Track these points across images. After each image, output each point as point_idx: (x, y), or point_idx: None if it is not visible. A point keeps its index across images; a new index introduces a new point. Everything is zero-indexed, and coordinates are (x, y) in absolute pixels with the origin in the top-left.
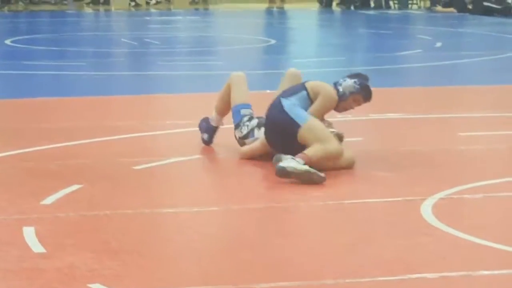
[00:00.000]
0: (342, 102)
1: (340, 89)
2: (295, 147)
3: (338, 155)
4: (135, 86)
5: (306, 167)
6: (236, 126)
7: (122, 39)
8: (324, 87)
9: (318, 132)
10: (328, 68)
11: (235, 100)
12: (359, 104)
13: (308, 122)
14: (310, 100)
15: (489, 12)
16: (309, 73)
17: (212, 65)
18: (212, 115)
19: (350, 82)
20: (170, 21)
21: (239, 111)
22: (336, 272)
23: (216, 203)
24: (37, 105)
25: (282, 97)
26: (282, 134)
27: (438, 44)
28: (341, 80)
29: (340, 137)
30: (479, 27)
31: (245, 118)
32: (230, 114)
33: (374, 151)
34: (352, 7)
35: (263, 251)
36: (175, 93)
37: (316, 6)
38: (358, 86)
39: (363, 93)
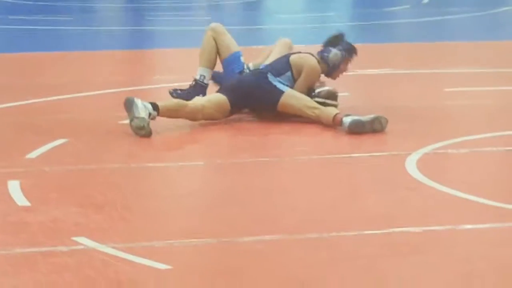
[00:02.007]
0: (335, 71)
1: (330, 62)
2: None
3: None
4: (122, 41)
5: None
6: (240, 73)
7: None
8: (307, 61)
9: (303, 99)
10: (315, 24)
11: (231, 48)
12: (350, 63)
13: (289, 90)
14: (294, 79)
15: None
16: (296, 28)
17: (198, 21)
18: (203, 74)
19: (335, 52)
20: None
21: (239, 58)
22: (320, 226)
23: (201, 158)
24: (23, 60)
25: (270, 73)
26: (262, 99)
27: (426, 0)
28: (326, 53)
29: (333, 94)
30: None
31: (245, 65)
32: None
33: (360, 106)
34: None
35: (248, 205)
36: (162, 48)
37: None
38: (344, 52)
39: (351, 55)
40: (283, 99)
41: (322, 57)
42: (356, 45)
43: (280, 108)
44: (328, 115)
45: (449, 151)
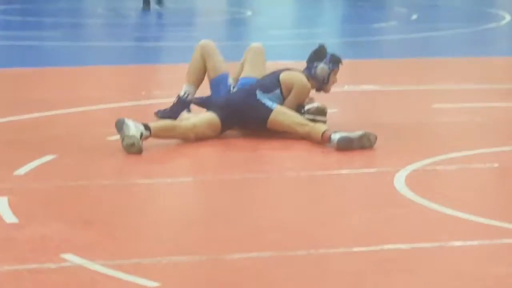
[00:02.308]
0: (326, 85)
1: (319, 77)
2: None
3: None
4: (110, 56)
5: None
6: (226, 93)
7: (99, 10)
8: (297, 79)
9: (293, 116)
10: (305, 40)
11: (219, 68)
12: (335, 82)
13: (278, 107)
14: (283, 97)
15: None
16: (286, 45)
17: (188, 36)
18: (188, 90)
19: (322, 66)
20: None
21: (226, 79)
22: (309, 243)
23: (190, 174)
24: (12, 76)
25: (259, 90)
26: (251, 117)
27: (414, 16)
28: (312, 69)
29: (322, 110)
30: (455, 0)
31: (232, 87)
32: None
33: (349, 122)
34: None
35: (236, 222)
36: (150, 63)
37: None
38: (330, 64)
39: (337, 66)
40: (272, 116)
41: (310, 74)
42: (345, 61)
43: (269, 125)
44: (317, 132)
45: (438, 167)
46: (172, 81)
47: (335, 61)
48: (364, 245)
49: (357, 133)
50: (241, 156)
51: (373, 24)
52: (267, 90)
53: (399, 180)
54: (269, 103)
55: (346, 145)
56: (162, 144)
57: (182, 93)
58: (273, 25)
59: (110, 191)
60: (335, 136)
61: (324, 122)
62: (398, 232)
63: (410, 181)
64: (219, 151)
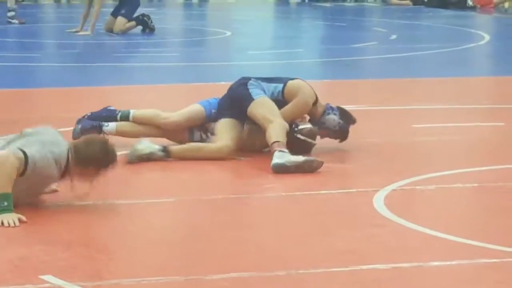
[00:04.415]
0: (318, 127)
1: (322, 118)
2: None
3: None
4: (89, 77)
5: (303, 157)
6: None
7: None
8: (304, 93)
9: (267, 110)
10: (283, 60)
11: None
12: (328, 137)
13: (260, 98)
14: (283, 95)
15: (444, 5)
16: (265, 65)
17: (166, 57)
18: None
19: (336, 119)
20: None
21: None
22: (288, 264)
23: (169, 195)
24: None
25: (256, 78)
26: (237, 103)
27: (393, 37)
28: (331, 110)
29: (314, 134)
30: (434, 20)
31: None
32: None
33: (328, 142)
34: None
35: (216, 243)
36: (130, 84)
37: None
38: (337, 129)
39: (338, 136)
40: (251, 106)
41: (326, 109)
42: (324, 81)
43: (249, 114)
44: (269, 138)
45: (417, 187)
46: (152, 101)
47: (341, 135)
48: (344, 266)
49: (297, 160)
50: (221, 176)
51: (353, 44)
52: (268, 80)
53: (379, 200)
54: (255, 92)
55: (282, 171)
56: (143, 165)
57: None
58: (252, 45)
59: (90, 212)
60: (274, 160)
61: (314, 145)
62: (377, 252)
63: (390, 201)
64: (200, 172)
